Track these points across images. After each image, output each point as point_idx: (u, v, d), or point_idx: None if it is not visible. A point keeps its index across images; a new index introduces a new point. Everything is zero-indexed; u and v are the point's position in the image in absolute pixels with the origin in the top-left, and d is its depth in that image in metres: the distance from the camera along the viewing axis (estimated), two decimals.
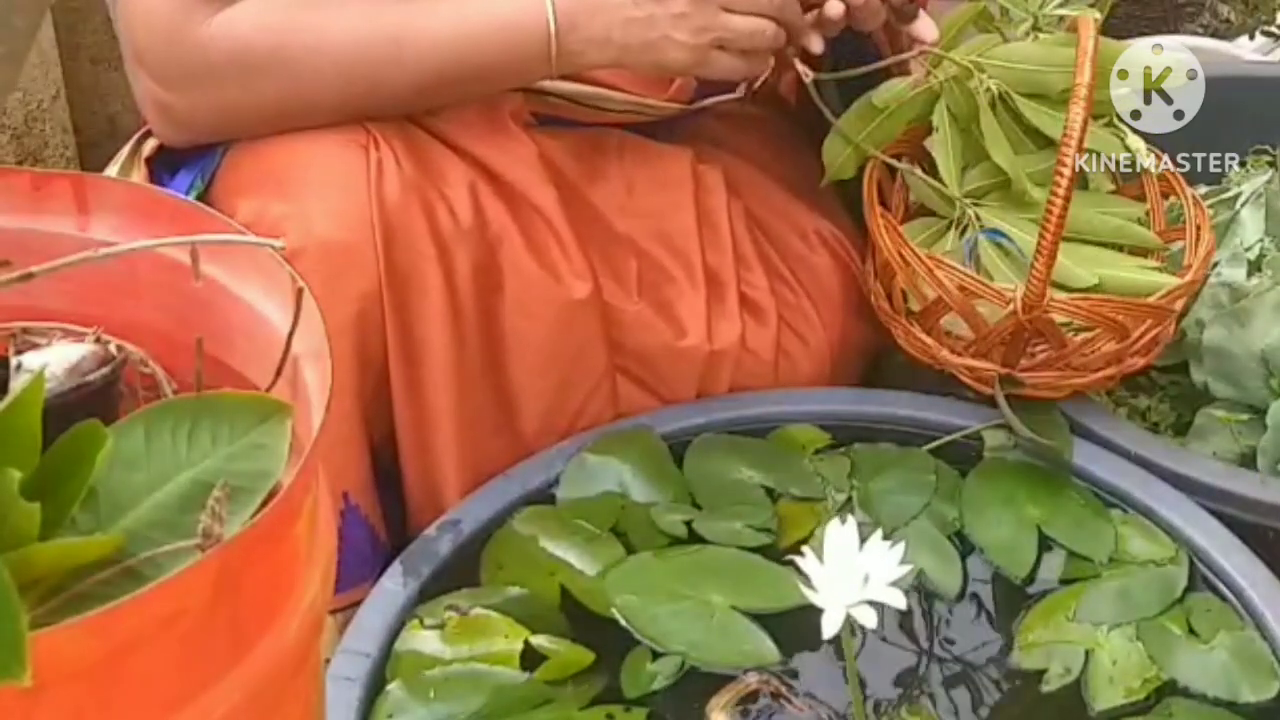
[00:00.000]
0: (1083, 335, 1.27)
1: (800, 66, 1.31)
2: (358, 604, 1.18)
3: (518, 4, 1.24)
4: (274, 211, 1.17)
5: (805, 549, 0.95)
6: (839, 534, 0.93)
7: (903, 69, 1.37)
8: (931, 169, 1.35)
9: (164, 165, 1.28)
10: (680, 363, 1.31)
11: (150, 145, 1.28)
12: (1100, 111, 1.34)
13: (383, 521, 1.26)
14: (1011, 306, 1.21)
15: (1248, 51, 1.79)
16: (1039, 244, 1.19)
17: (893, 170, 1.37)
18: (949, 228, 1.35)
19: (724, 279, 1.34)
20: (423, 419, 1.24)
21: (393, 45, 1.22)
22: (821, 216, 1.43)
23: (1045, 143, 1.35)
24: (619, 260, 1.31)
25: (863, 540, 0.93)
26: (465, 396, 1.24)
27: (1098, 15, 1.39)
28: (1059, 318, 1.24)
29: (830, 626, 0.91)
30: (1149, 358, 1.31)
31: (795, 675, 1.11)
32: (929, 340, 1.29)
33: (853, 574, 0.91)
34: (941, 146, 1.33)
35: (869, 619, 0.90)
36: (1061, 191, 1.17)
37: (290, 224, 1.16)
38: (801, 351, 1.36)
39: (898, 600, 0.91)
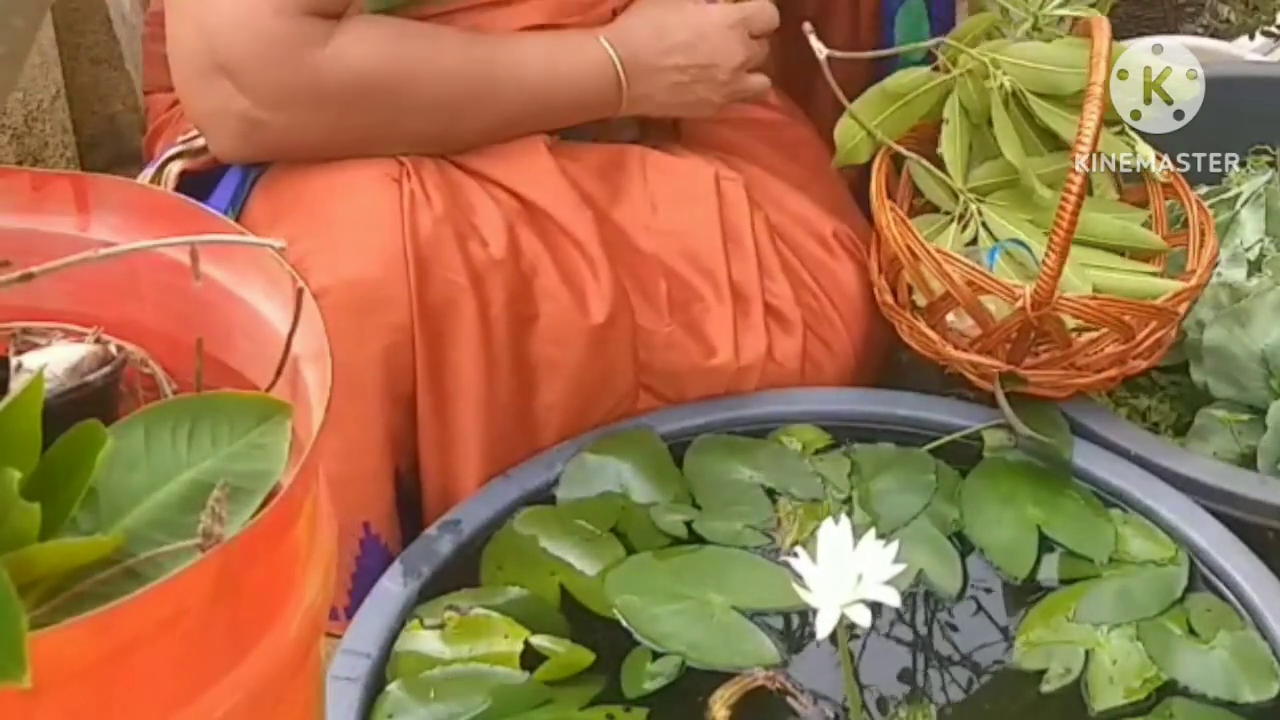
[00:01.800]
0: (1087, 336, 1.27)
1: (815, 43, 1.33)
2: None
3: (588, 54, 1.30)
4: (303, 246, 1.16)
5: (799, 549, 0.95)
6: (833, 533, 0.93)
7: None
8: (939, 166, 1.35)
9: (189, 193, 1.27)
10: (708, 380, 1.32)
11: (174, 173, 1.27)
12: (1111, 117, 1.34)
13: (401, 549, 1.26)
14: (1020, 303, 1.21)
15: (1248, 51, 1.79)
16: (1051, 241, 1.19)
17: (898, 168, 1.37)
18: (950, 223, 1.34)
19: (749, 293, 1.34)
20: (449, 447, 1.24)
21: (487, 81, 1.25)
22: (839, 220, 1.43)
23: (1055, 145, 1.35)
24: (648, 281, 1.32)
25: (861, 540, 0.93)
26: (492, 423, 1.24)
27: (1099, 15, 1.39)
28: (1066, 318, 1.24)
29: (824, 626, 0.91)
30: (1151, 360, 1.31)
31: (795, 675, 1.11)
32: (933, 335, 1.29)
33: (847, 573, 0.91)
34: (950, 139, 1.33)
35: (863, 618, 0.90)
36: (1075, 188, 1.17)
37: (319, 259, 1.16)
38: (826, 356, 1.36)
39: (892, 599, 0.91)
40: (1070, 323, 1.26)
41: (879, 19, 1.54)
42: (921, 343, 1.30)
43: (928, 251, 1.24)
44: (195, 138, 1.27)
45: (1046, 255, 1.19)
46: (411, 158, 1.22)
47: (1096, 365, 1.28)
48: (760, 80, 1.38)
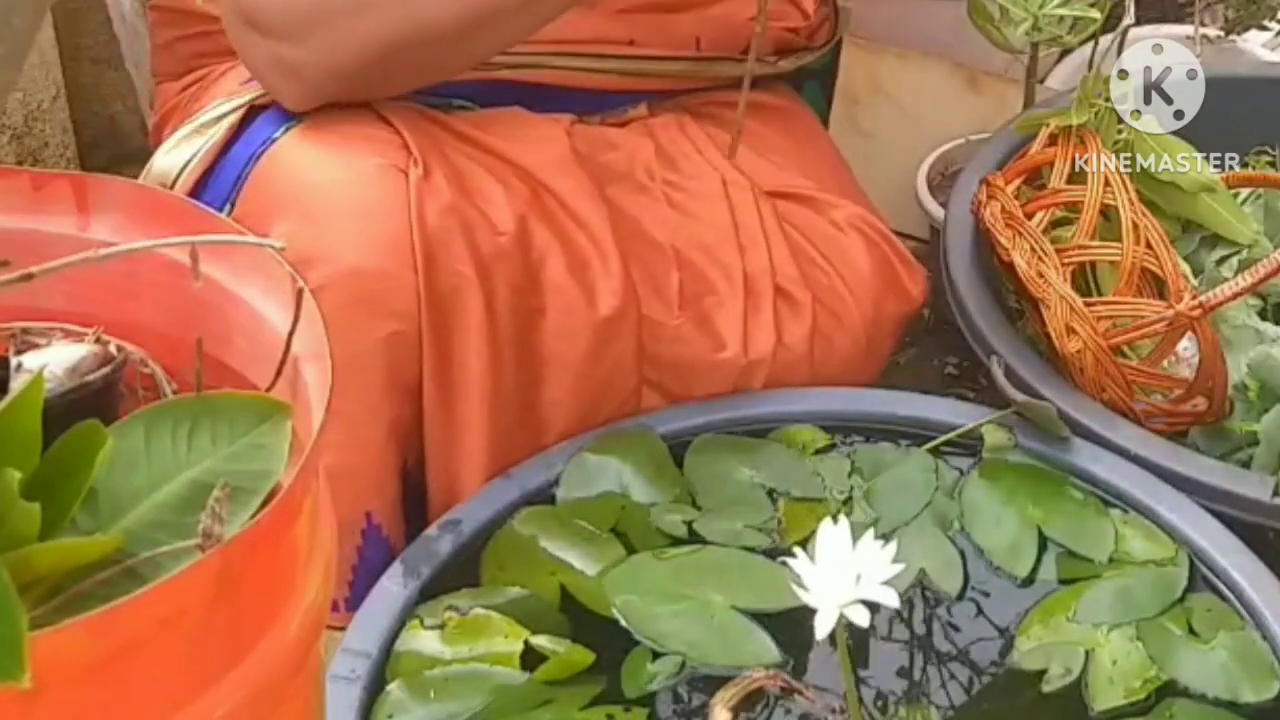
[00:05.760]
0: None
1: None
2: None
3: None
4: (305, 237, 1.15)
5: (797, 549, 0.95)
6: (832, 533, 0.93)
7: None
8: None
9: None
10: (715, 374, 1.31)
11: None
12: None
13: (404, 541, 1.26)
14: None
15: (1258, 47, 1.79)
16: None
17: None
18: None
19: (761, 288, 1.33)
20: (454, 440, 1.23)
21: None
22: (845, 199, 1.43)
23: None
24: (661, 273, 1.31)
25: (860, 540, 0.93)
26: (497, 416, 1.23)
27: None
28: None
29: (823, 626, 0.91)
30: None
31: (796, 676, 1.11)
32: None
33: (845, 573, 0.91)
34: None
35: (862, 618, 0.90)
36: None
37: (322, 250, 1.15)
38: (836, 330, 1.36)
39: (891, 599, 0.91)
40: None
41: None
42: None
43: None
44: (204, 119, 1.29)
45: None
46: (420, 144, 1.22)
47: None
48: None
